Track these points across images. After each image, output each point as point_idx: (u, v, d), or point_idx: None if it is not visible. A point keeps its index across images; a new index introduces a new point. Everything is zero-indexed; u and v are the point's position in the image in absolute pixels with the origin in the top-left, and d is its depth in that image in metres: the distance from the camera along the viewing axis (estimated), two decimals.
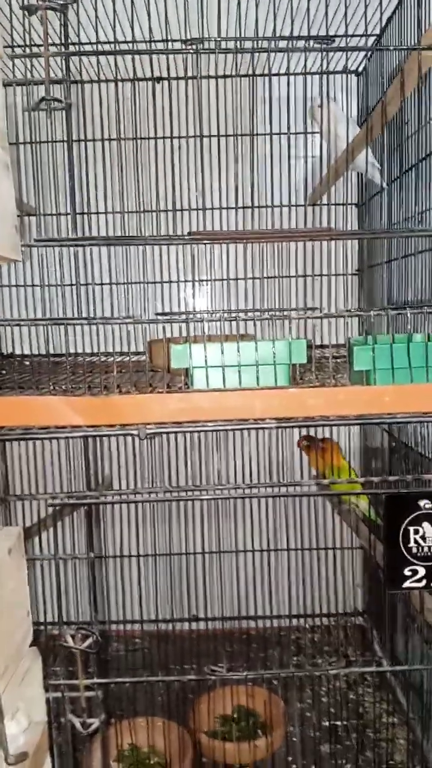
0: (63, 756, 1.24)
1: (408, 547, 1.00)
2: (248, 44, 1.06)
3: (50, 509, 1.01)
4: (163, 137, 1.70)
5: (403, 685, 1.70)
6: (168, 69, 1.26)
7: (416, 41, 1.00)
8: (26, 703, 0.84)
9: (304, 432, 1.74)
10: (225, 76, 1.70)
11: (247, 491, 1.05)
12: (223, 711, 1.64)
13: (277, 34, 1.06)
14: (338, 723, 1.66)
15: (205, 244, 0.98)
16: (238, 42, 1.05)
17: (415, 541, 1.00)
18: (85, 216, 1.70)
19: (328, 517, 2.02)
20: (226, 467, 1.98)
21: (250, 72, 1.72)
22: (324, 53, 1.03)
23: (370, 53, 1.66)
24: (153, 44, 1.05)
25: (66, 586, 1.73)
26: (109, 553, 2.09)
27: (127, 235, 1.01)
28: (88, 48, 1.35)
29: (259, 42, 1.06)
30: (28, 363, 1.24)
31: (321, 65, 1.07)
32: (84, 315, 0.95)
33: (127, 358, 1.26)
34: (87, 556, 1.05)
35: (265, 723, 1.61)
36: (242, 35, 1.06)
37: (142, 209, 1.23)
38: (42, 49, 0.87)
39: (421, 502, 0.99)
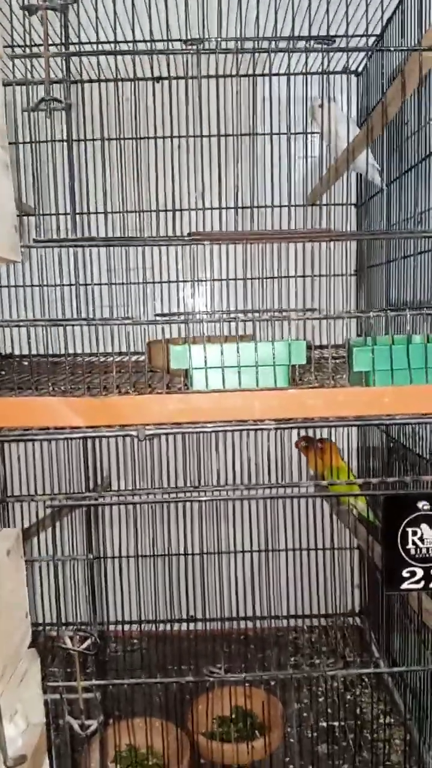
0: (61, 757, 1.23)
1: (406, 548, 1.00)
2: (248, 44, 1.06)
3: (48, 510, 1.00)
4: (163, 137, 1.70)
5: (400, 685, 1.70)
6: (168, 69, 1.26)
7: (417, 41, 1.00)
8: (24, 704, 0.84)
9: (302, 433, 1.74)
10: (225, 76, 1.70)
11: (245, 492, 1.05)
12: (221, 712, 1.63)
13: (278, 34, 1.05)
14: (335, 724, 1.66)
15: (204, 244, 0.98)
16: (239, 42, 1.05)
17: (414, 543, 1.00)
18: (85, 216, 1.70)
19: (326, 517, 2.02)
20: (225, 468, 1.97)
21: (251, 72, 1.71)
22: (324, 53, 1.03)
23: (370, 53, 1.66)
24: (153, 44, 1.05)
25: (64, 587, 1.73)
26: (107, 554, 2.09)
27: (126, 235, 1.01)
28: (88, 48, 1.35)
29: (260, 42, 1.06)
30: (26, 363, 1.23)
31: (321, 65, 1.07)
32: (83, 315, 0.95)
33: (127, 358, 1.25)
34: (86, 557, 1.05)
35: (262, 724, 1.61)
36: (242, 35, 1.06)
37: (141, 209, 1.22)
38: (42, 49, 0.86)
39: (420, 504, 0.99)
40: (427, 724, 1.45)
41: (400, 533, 0.99)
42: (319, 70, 1.07)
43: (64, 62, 0.93)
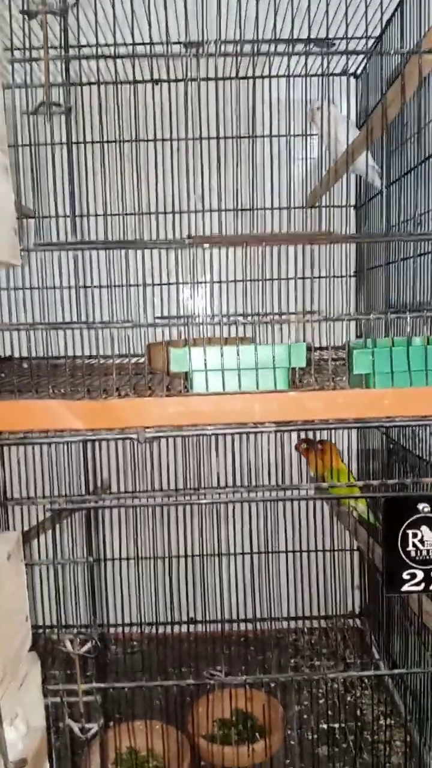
0: (61, 761, 1.23)
1: (407, 550, 1.00)
2: (248, 47, 1.06)
3: (48, 513, 1.00)
4: (162, 140, 1.70)
5: (401, 687, 1.70)
6: (168, 72, 1.26)
7: (416, 43, 1.00)
8: (25, 708, 0.84)
9: (303, 435, 1.74)
10: (224, 78, 1.70)
11: (245, 495, 1.05)
12: (222, 714, 1.63)
13: (277, 36, 1.05)
14: (336, 726, 1.66)
15: (204, 247, 0.98)
16: (238, 45, 1.05)
17: (414, 545, 1.00)
18: (84, 218, 1.70)
19: (326, 519, 2.02)
20: (225, 470, 1.97)
21: (250, 74, 1.71)
22: (323, 56, 1.03)
23: (369, 55, 1.66)
24: (152, 47, 1.05)
25: (64, 590, 1.72)
26: (108, 557, 2.08)
27: (126, 237, 1.01)
28: (87, 52, 1.35)
29: (259, 44, 1.06)
30: (26, 366, 1.23)
31: (320, 67, 1.07)
32: (83, 317, 0.95)
33: (127, 360, 1.25)
34: (86, 560, 1.05)
35: (263, 726, 1.60)
36: (242, 38, 1.06)
37: (141, 212, 1.22)
38: (42, 52, 0.86)
39: (420, 506, 0.99)
40: (427, 726, 1.45)
41: (400, 535, 0.99)
42: (318, 72, 1.07)
43: (63, 66, 0.93)
